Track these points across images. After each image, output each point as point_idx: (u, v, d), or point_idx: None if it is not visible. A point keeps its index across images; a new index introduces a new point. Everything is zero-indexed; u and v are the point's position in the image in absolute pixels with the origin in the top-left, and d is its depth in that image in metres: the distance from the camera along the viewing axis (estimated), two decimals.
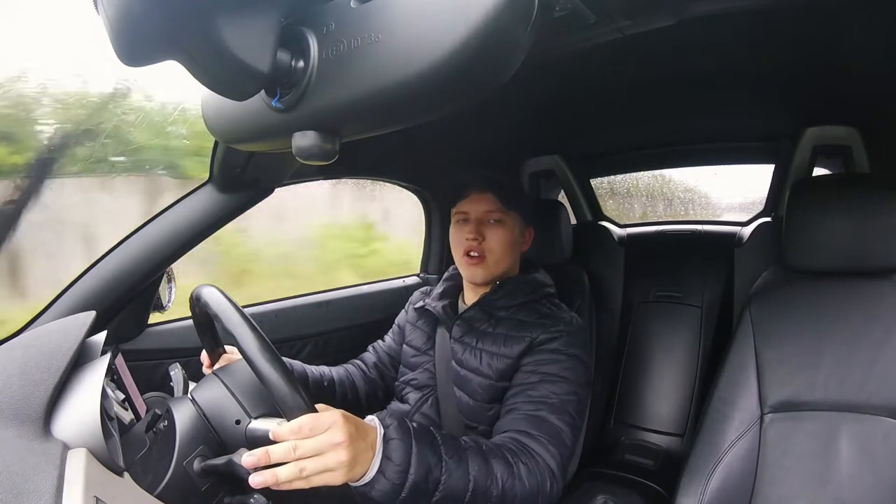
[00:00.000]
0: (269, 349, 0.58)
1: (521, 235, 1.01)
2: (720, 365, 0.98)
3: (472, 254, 0.95)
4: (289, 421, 0.56)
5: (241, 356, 0.60)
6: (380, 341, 1.17)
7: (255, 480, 0.54)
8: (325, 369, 1.03)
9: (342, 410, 0.59)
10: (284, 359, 0.90)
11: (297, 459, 0.54)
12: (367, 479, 0.59)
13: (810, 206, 0.93)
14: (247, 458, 0.55)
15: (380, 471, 0.59)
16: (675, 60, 0.89)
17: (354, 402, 1.04)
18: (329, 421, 0.56)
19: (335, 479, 0.56)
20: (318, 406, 0.58)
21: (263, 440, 0.61)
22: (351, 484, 0.59)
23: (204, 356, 0.82)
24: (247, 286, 2.12)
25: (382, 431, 0.62)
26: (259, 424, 0.63)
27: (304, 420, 0.55)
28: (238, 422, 0.64)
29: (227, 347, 0.82)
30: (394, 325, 1.17)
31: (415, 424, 0.66)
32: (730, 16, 0.66)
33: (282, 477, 0.54)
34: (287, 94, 0.41)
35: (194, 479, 0.61)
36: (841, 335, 0.89)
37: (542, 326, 0.90)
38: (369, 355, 1.14)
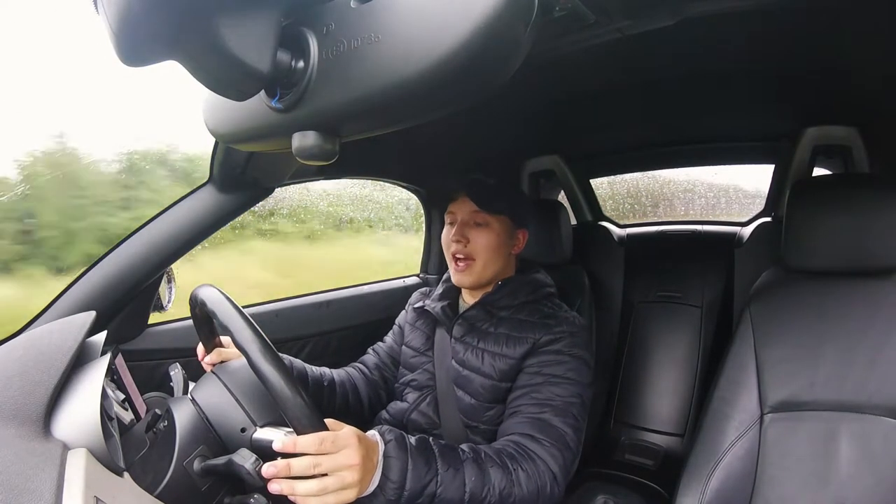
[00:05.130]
0: (273, 354, 0.58)
1: (511, 238, 0.99)
2: (720, 365, 0.98)
3: (458, 258, 0.96)
4: (297, 433, 0.57)
5: (236, 348, 0.60)
6: (380, 343, 1.16)
7: (274, 488, 0.55)
8: (325, 370, 1.03)
9: (356, 430, 0.61)
10: (283, 356, 0.90)
11: (316, 475, 0.56)
12: (366, 492, 0.61)
13: (810, 206, 0.93)
14: (267, 468, 0.56)
15: (378, 486, 0.62)
16: (675, 60, 0.89)
17: (356, 404, 1.04)
18: (345, 441, 0.58)
19: (349, 497, 0.58)
20: (328, 422, 0.59)
21: (269, 449, 0.61)
22: None
23: (200, 348, 0.82)
24: None
25: (383, 448, 0.64)
26: (265, 434, 0.63)
27: (325, 436, 0.56)
28: (243, 430, 0.64)
29: (222, 339, 0.82)
30: (394, 326, 1.17)
31: (412, 440, 0.68)
32: (730, 16, 0.66)
33: (300, 490, 0.55)
34: (287, 94, 0.41)
35: (194, 479, 0.61)
36: (841, 335, 0.89)
37: (545, 327, 0.90)
38: (370, 357, 1.14)
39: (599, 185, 1.94)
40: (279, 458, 0.57)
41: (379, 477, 0.62)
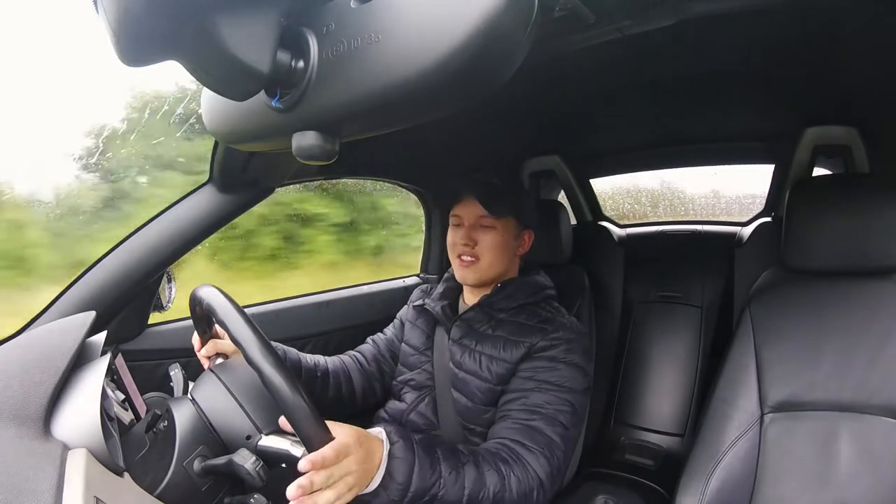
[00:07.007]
0: (277, 359, 0.58)
1: (517, 238, 0.99)
2: (720, 365, 0.98)
3: (464, 257, 0.96)
4: (303, 441, 0.58)
5: (230, 339, 0.61)
6: (380, 334, 1.16)
7: None
8: (319, 359, 1.02)
9: (355, 432, 0.61)
10: (276, 344, 0.90)
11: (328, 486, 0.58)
12: (367, 490, 0.62)
13: (810, 206, 0.93)
14: (293, 489, 0.56)
15: (382, 485, 0.63)
16: (675, 60, 0.89)
17: (348, 395, 1.03)
18: (347, 448, 0.59)
19: (352, 496, 0.60)
20: (329, 425, 0.60)
21: (275, 457, 0.62)
22: None
23: (195, 339, 0.82)
24: None
25: (388, 447, 0.65)
26: (271, 443, 0.64)
27: (338, 448, 0.58)
28: (248, 437, 0.64)
29: (217, 330, 0.82)
30: (395, 319, 1.17)
31: (418, 438, 0.69)
32: (730, 16, 0.66)
33: (322, 501, 0.57)
34: (287, 94, 0.41)
35: (194, 479, 0.61)
36: (841, 335, 0.89)
37: (542, 332, 0.90)
38: (368, 348, 1.13)
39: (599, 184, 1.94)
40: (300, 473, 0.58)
41: (382, 476, 0.63)
